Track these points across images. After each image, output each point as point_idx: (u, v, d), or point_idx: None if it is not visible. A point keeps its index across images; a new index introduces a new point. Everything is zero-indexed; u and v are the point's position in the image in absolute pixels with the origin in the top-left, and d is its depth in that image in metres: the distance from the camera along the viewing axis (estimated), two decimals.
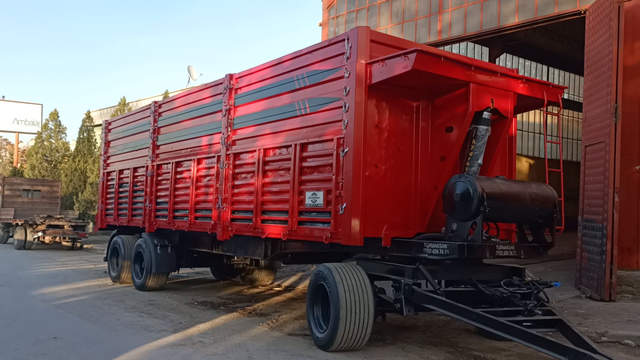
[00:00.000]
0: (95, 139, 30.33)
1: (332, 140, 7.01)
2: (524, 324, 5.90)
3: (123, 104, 26.08)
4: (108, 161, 13.74)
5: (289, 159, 7.73)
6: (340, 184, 6.82)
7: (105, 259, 13.49)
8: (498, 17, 13.42)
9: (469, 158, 6.97)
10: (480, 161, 6.99)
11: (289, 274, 14.10)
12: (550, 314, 6.27)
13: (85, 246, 23.37)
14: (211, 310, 9.51)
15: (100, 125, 32.67)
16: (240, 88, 9.04)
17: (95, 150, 30.06)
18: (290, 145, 7.74)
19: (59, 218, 22.90)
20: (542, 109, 7.52)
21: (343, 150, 6.78)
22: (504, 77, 6.99)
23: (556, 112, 7.91)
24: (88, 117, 30.09)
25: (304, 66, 7.64)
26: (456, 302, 6.23)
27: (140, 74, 72.55)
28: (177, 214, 10.57)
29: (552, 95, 7.40)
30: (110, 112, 31.69)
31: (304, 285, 12.68)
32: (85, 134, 30.03)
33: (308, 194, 7.32)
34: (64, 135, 33.31)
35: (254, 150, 8.47)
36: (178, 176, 10.60)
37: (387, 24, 15.98)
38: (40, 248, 22.70)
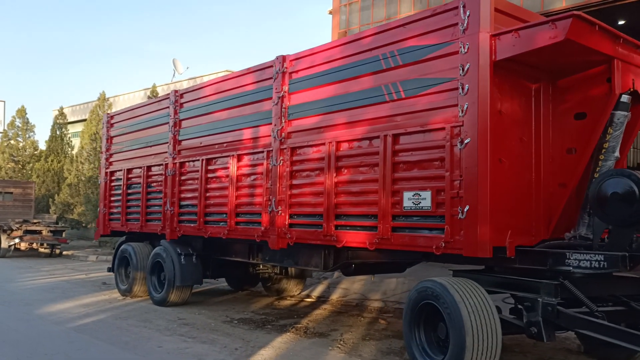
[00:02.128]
0: (69, 137, 28.41)
1: (442, 129, 5.80)
2: None
3: (103, 99, 24.30)
4: (111, 159, 12.21)
5: (375, 153, 6.50)
6: (458, 182, 5.62)
7: (110, 270, 11.98)
8: None
9: (604, 150, 5.86)
10: (617, 154, 5.89)
11: (313, 282, 12.84)
12: None
13: (64, 253, 21.55)
14: (259, 331, 8.19)
15: (75, 122, 30.86)
16: (297, 72, 7.75)
17: (70, 150, 28.14)
18: (376, 137, 6.50)
19: (36, 223, 21.07)
20: None
21: (462, 142, 5.57)
22: None
23: None
24: (61, 113, 28.14)
25: (394, 42, 6.41)
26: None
27: (116, 68, 69.40)
28: (209, 218, 9.19)
29: None
30: (86, 108, 29.80)
31: (337, 296, 11.47)
32: (58, 132, 28.05)
33: (407, 195, 6.09)
34: (32, 133, 31.23)
35: (321, 144, 7.20)
36: (210, 175, 9.23)
37: (410, 10, 14.85)
38: (16, 256, 20.77)
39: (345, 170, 6.90)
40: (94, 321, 8.73)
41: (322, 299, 11.34)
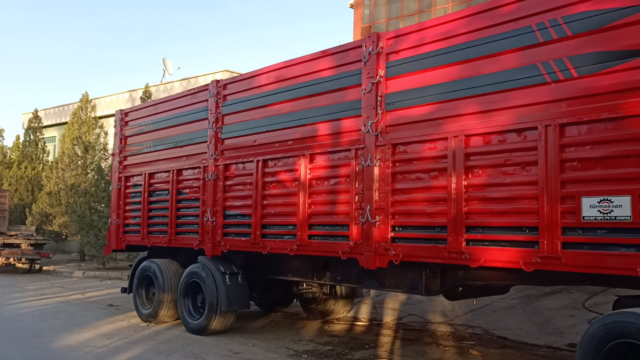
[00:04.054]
0: (45, 142, 26.30)
1: None
2: None
3: (86, 100, 22.35)
4: (126, 162, 10.54)
5: (530, 149, 5.14)
6: None
7: (125, 291, 10.31)
8: None
9: None
10: None
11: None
12: None
13: (44, 268, 19.50)
14: None
15: (50, 126, 28.57)
16: (397, 52, 6.36)
17: (45, 156, 26.03)
18: (531, 128, 5.15)
19: (14, 235, 19.03)
20: None
21: None
22: None
23: None
24: (35, 116, 26.02)
25: (556, 9, 5.08)
26: None
27: (96, 69, 65.80)
28: (269, 230, 7.67)
29: None
30: (62, 111, 27.71)
31: (390, 318, 10.09)
32: (31, 137, 25.92)
33: (587, 201, 4.74)
34: (1, 138, 28.99)
35: (441, 138, 5.82)
36: (269, 179, 7.73)
37: (446, 2, 13.62)
38: None
39: (480, 171, 5.52)
40: (131, 359, 7.11)
41: (376, 322, 9.92)
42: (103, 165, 20.41)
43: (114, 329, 8.99)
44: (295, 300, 10.18)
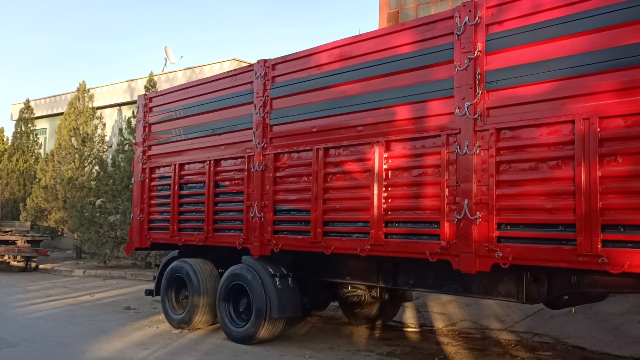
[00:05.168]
0: (37, 134, 25.06)
1: None
2: None
3: (83, 90, 21.15)
4: (150, 152, 9.57)
5: None
6: None
7: (150, 293, 9.37)
8: None
9: None
10: None
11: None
12: None
13: (41, 266, 18.38)
14: None
15: (41, 117, 27.24)
16: (501, 22, 5.51)
17: (37, 148, 24.80)
18: None
19: (9, 231, 17.88)
20: None
21: None
22: None
23: None
24: (27, 107, 24.73)
25: None
26: None
27: (90, 61, 63.55)
28: (332, 228, 6.78)
29: None
30: (53, 101, 26.47)
31: (442, 324, 9.27)
32: (23, 128, 24.65)
33: None
34: None
35: (565, 121, 4.99)
36: (332, 170, 6.84)
37: None
38: None
39: (620, 159, 4.69)
40: None
41: (427, 328, 9.09)
42: (104, 157, 19.31)
43: (146, 337, 8.04)
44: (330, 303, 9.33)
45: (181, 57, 26.53)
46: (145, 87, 18.54)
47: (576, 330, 8.56)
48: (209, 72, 19.72)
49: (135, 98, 22.60)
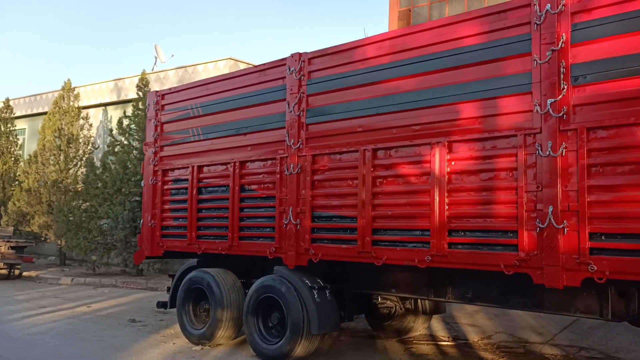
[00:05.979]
0: (16, 134, 23.95)
1: None
2: None
3: (68, 88, 20.18)
4: (163, 153, 8.87)
5: None
6: None
7: (164, 306, 8.67)
8: None
9: None
10: None
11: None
12: None
13: (25, 274, 17.42)
14: None
15: (20, 117, 26.04)
16: (589, 11, 5.00)
17: (17, 149, 23.68)
18: None
19: None
20: None
21: None
22: None
23: None
24: (7, 106, 23.61)
25: None
26: None
27: (74, 63, 61.48)
28: (382, 237, 6.18)
29: None
30: (33, 101, 25.38)
31: (476, 337, 8.75)
32: (2, 128, 23.52)
33: None
34: None
35: None
36: (381, 173, 6.25)
37: None
38: None
39: None
40: None
41: (461, 341, 8.55)
42: (92, 158, 18.40)
43: (166, 356, 7.34)
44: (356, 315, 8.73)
45: (172, 55, 25.77)
46: (138, 85, 17.72)
47: (622, 343, 8.12)
48: (203, 71, 18.98)
49: (122, 98, 21.94)
